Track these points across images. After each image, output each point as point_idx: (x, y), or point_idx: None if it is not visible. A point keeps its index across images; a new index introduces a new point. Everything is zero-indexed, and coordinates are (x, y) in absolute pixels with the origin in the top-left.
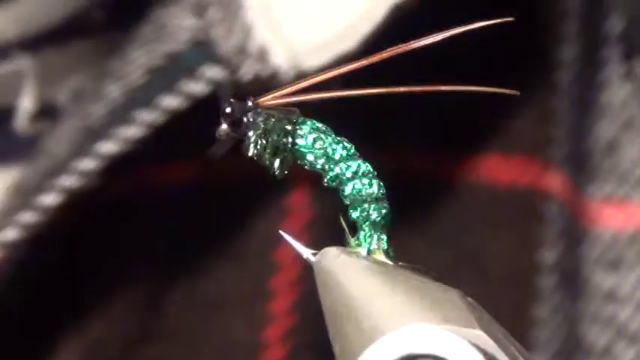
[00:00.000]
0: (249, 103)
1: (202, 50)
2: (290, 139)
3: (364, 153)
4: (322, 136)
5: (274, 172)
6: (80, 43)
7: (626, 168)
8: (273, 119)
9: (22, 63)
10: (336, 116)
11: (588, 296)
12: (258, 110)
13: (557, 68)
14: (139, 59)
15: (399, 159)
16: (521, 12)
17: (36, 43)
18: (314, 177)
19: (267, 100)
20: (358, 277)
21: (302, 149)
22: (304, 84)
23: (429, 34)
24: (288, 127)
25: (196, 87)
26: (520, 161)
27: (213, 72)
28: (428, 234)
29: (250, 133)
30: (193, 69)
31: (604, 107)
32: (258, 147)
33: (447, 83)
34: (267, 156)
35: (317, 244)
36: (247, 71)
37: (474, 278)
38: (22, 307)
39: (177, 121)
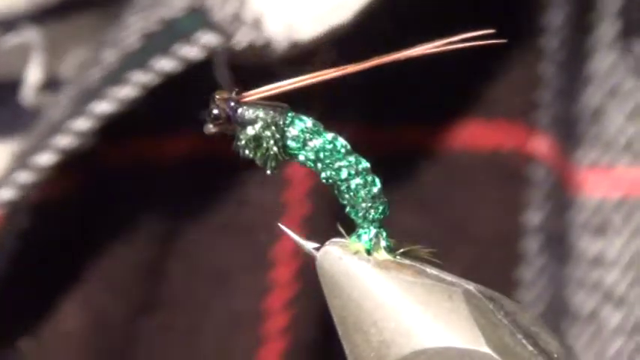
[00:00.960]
0: (232, 103)
1: (198, 17)
2: (280, 143)
3: (358, 129)
4: (313, 136)
5: (267, 171)
6: (85, 16)
7: (612, 135)
8: (260, 121)
9: (30, 35)
10: (333, 101)
11: (575, 261)
12: (245, 107)
13: (543, 33)
14: (135, 25)
15: (381, 131)
16: None
17: (44, 15)
18: None
19: (252, 95)
20: (363, 286)
21: (293, 151)
22: (286, 83)
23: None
24: (277, 133)
25: (191, 51)
26: (504, 126)
27: (208, 38)
28: (415, 206)
29: (240, 136)
30: (188, 34)
31: (590, 74)
32: (248, 151)
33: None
34: (258, 158)
35: (318, 213)
36: (242, 39)
37: (462, 244)
38: (26, 273)
39: (177, 92)
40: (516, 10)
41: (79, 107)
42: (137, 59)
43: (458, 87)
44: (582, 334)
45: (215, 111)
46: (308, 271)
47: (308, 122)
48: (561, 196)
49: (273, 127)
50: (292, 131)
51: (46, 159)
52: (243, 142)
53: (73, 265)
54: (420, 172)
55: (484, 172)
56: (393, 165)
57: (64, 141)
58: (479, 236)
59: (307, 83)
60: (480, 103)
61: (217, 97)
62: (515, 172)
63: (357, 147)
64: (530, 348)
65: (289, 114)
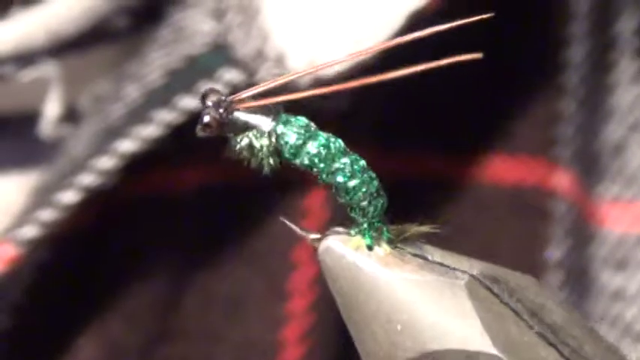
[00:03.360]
0: (222, 110)
1: (220, 53)
2: (273, 149)
3: (371, 155)
4: (308, 138)
5: (263, 173)
6: (104, 49)
7: (634, 169)
8: (253, 126)
9: (48, 69)
10: (342, 118)
11: (595, 296)
12: (235, 114)
13: (564, 70)
14: (157, 61)
15: (405, 161)
16: (530, 13)
17: (62, 49)
18: None
19: (245, 100)
20: (366, 286)
21: (288, 155)
22: (280, 81)
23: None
24: (271, 139)
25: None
26: (526, 161)
27: (231, 75)
28: (434, 237)
29: (232, 142)
30: (211, 71)
31: (612, 109)
32: (242, 156)
33: (454, 84)
34: (253, 162)
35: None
36: (265, 75)
37: None
38: (43, 306)
39: (191, 122)
40: (537, 47)
41: (102, 145)
42: (160, 96)
43: (479, 121)
44: None
45: (206, 118)
46: (325, 300)
47: (302, 124)
48: (582, 231)
49: (266, 134)
50: (286, 137)
51: (69, 197)
52: (236, 148)
53: (89, 298)
54: (440, 202)
55: (506, 206)
56: (408, 192)
57: (88, 179)
58: None
59: (302, 96)
60: (501, 137)
61: (208, 102)
62: (537, 207)
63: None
64: (536, 328)
65: (282, 118)
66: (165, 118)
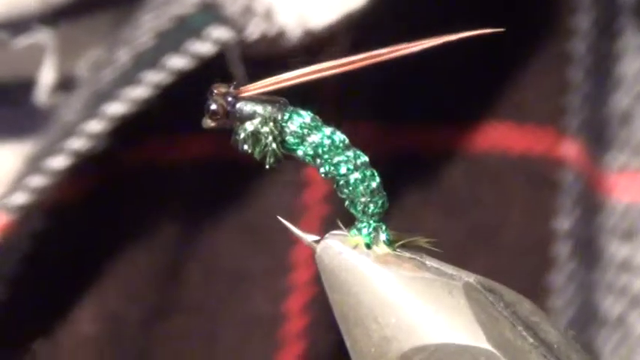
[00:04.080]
0: (230, 98)
1: (210, 12)
2: (278, 139)
3: (374, 129)
4: (312, 131)
5: (265, 165)
6: (98, 16)
7: None
8: (258, 117)
9: (43, 36)
10: (340, 95)
11: (603, 266)
12: (242, 102)
13: (571, 38)
14: (147, 24)
15: (410, 131)
16: None
17: (56, 16)
18: None
19: (250, 90)
20: (363, 281)
21: (292, 146)
22: (286, 77)
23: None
24: (276, 128)
25: (203, 47)
26: (533, 130)
27: (220, 32)
28: (442, 206)
29: (238, 131)
30: (200, 30)
31: (619, 78)
32: (247, 146)
33: (460, 53)
34: (256, 153)
35: (337, 214)
36: (254, 31)
37: (488, 248)
38: (39, 276)
39: (194, 92)
40: (543, 15)
41: (91, 109)
42: (150, 58)
43: (485, 90)
44: (609, 339)
45: (213, 106)
46: None
47: (306, 117)
48: (590, 200)
49: (272, 123)
50: (291, 126)
51: (58, 162)
52: (241, 137)
53: (88, 269)
54: (445, 173)
55: (513, 175)
56: (415, 164)
57: (77, 144)
58: (508, 240)
59: (310, 78)
60: (508, 106)
61: (215, 91)
62: (545, 176)
63: (376, 145)
64: (531, 340)
65: (288, 109)
66: (153, 78)
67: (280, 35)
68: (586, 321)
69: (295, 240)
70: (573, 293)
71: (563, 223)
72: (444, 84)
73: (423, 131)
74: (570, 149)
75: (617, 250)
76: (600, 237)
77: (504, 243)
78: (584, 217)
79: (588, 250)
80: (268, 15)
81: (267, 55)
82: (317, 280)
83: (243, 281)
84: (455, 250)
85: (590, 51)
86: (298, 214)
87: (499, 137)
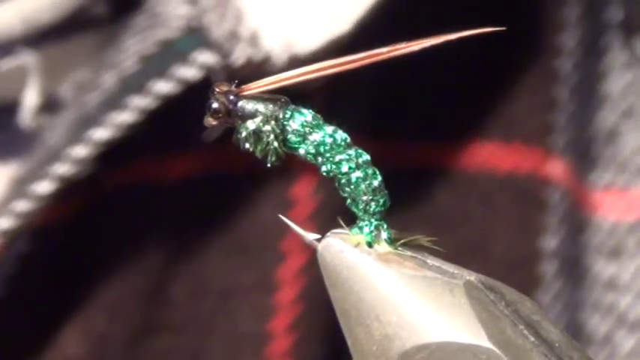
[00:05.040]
0: (232, 97)
1: (195, 37)
2: (280, 137)
3: (364, 143)
4: (314, 129)
5: (267, 163)
6: (83, 38)
7: (626, 157)
8: (260, 115)
9: (26, 58)
10: (332, 110)
11: (589, 284)
12: (244, 101)
13: (557, 56)
14: (133, 47)
15: (399, 149)
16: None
17: (40, 38)
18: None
19: (252, 88)
20: (365, 280)
21: (293, 144)
22: (286, 76)
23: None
24: (278, 127)
25: (188, 72)
26: (520, 148)
27: (205, 57)
28: (430, 223)
29: (240, 129)
30: (185, 54)
31: (604, 96)
32: (248, 144)
33: (446, 70)
34: (258, 152)
35: (323, 233)
36: (239, 55)
37: (476, 266)
38: (25, 298)
39: (178, 113)
40: (529, 33)
41: (77, 134)
42: (135, 83)
43: (472, 107)
44: (596, 357)
45: (214, 104)
46: (312, 291)
47: (308, 116)
48: (576, 219)
49: (273, 122)
50: (292, 125)
51: (44, 187)
52: (242, 135)
53: (74, 290)
54: (433, 190)
55: (500, 193)
56: (404, 180)
57: (63, 169)
58: (495, 258)
59: (309, 77)
60: (496, 124)
61: (217, 90)
62: (532, 195)
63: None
64: (532, 339)
65: (289, 107)
66: (139, 103)
67: (266, 60)
68: None
69: (282, 257)
70: (559, 312)
71: (550, 241)
72: (433, 102)
73: (413, 149)
74: (556, 168)
75: (603, 268)
76: (586, 255)
77: (491, 260)
78: (570, 235)
79: (574, 269)
80: (254, 40)
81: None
82: (302, 298)
83: (229, 299)
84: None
85: (576, 69)
86: (285, 231)
87: (487, 156)
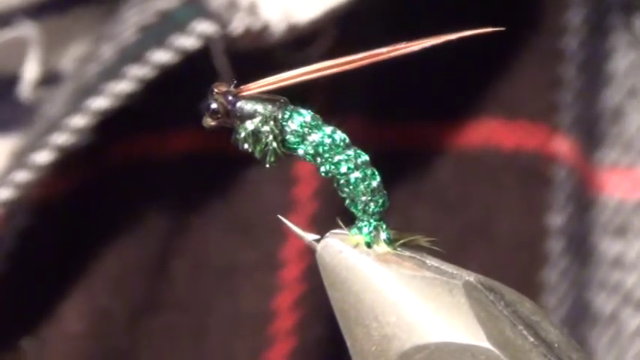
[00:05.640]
0: (230, 97)
1: (194, 7)
2: (279, 137)
3: (367, 124)
4: (312, 130)
5: (266, 164)
6: (84, 11)
7: (631, 135)
8: (259, 116)
9: (26, 30)
10: (334, 90)
11: (595, 263)
12: (243, 101)
13: (563, 34)
14: (131, 18)
15: (401, 127)
16: None
17: (40, 10)
18: None
19: (251, 89)
20: (364, 280)
21: (292, 145)
22: (285, 76)
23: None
24: (276, 127)
25: (187, 41)
26: (525, 126)
27: (204, 26)
28: (435, 202)
29: (238, 130)
30: (184, 24)
31: (610, 74)
32: (247, 145)
33: (451, 49)
34: (257, 152)
35: (327, 211)
36: (238, 25)
37: (482, 244)
38: (26, 273)
39: (180, 87)
40: (535, 11)
41: (75, 104)
42: (133, 52)
43: (476, 85)
44: (602, 336)
45: (213, 105)
46: (317, 270)
47: (307, 116)
48: (583, 197)
49: (272, 122)
50: (291, 125)
51: (43, 157)
52: (241, 136)
53: (75, 266)
54: (437, 169)
55: (505, 171)
56: (407, 160)
57: (61, 138)
58: (501, 236)
59: (307, 77)
60: (500, 102)
61: (215, 90)
62: (537, 173)
63: (367, 141)
64: (531, 339)
65: (288, 108)
66: (137, 73)
67: (264, 30)
68: (579, 318)
69: (285, 236)
70: (566, 290)
71: (556, 219)
72: (435, 80)
73: (415, 127)
74: (562, 145)
75: (610, 246)
76: (592, 233)
77: (498, 239)
78: (576, 213)
79: (581, 247)
80: (252, 9)
81: (252, 49)
82: (307, 276)
83: (232, 277)
84: (449, 247)
85: (581, 47)
86: (288, 209)
87: (491, 133)
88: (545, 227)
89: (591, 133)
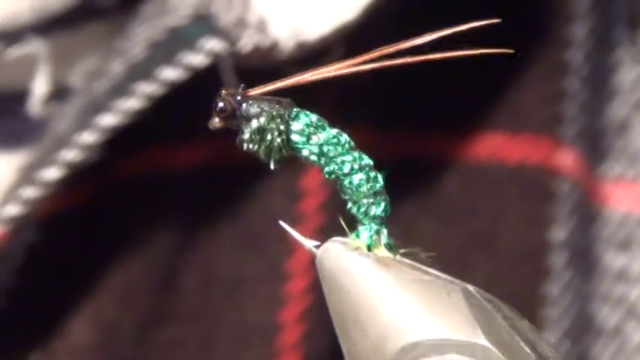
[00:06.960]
0: (239, 97)
1: (203, 24)
2: (284, 136)
3: (372, 135)
4: (318, 130)
5: (270, 166)
6: (93, 27)
7: (637, 149)
8: (265, 115)
9: (36, 46)
10: (340, 100)
11: (599, 276)
12: (250, 102)
13: (568, 47)
14: (141, 34)
15: (407, 139)
16: None
17: (49, 26)
18: None
19: (258, 91)
20: (362, 281)
21: (297, 145)
22: (292, 80)
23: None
24: (282, 126)
25: (195, 59)
26: (529, 139)
27: (213, 44)
28: (439, 214)
29: (244, 129)
30: (193, 41)
31: (615, 88)
32: (252, 144)
33: (455, 60)
34: (261, 152)
35: (333, 224)
36: (247, 42)
37: (485, 257)
38: (35, 288)
39: (189, 101)
40: (540, 24)
41: (84, 120)
42: (142, 69)
43: (480, 98)
44: (606, 349)
45: (221, 104)
46: None
47: (312, 117)
48: (586, 210)
49: (278, 120)
50: (297, 125)
51: (51, 174)
52: (247, 135)
53: (83, 279)
54: (442, 181)
55: (509, 184)
56: (412, 172)
57: (70, 155)
58: (504, 249)
59: (315, 79)
60: (504, 115)
61: (224, 92)
62: (541, 186)
63: (372, 152)
64: (528, 350)
65: (294, 108)
66: (145, 90)
67: (273, 47)
68: (582, 331)
69: (292, 248)
70: (569, 303)
71: (559, 232)
72: (441, 92)
73: (420, 139)
74: (567, 158)
75: (613, 260)
76: (596, 247)
77: (501, 251)
78: (580, 226)
79: (584, 260)
80: (261, 26)
81: (261, 66)
82: (313, 289)
83: (239, 290)
84: (452, 258)
85: (587, 60)
86: (295, 222)
87: (496, 147)
88: (549, 240)
89: (596, 146)
